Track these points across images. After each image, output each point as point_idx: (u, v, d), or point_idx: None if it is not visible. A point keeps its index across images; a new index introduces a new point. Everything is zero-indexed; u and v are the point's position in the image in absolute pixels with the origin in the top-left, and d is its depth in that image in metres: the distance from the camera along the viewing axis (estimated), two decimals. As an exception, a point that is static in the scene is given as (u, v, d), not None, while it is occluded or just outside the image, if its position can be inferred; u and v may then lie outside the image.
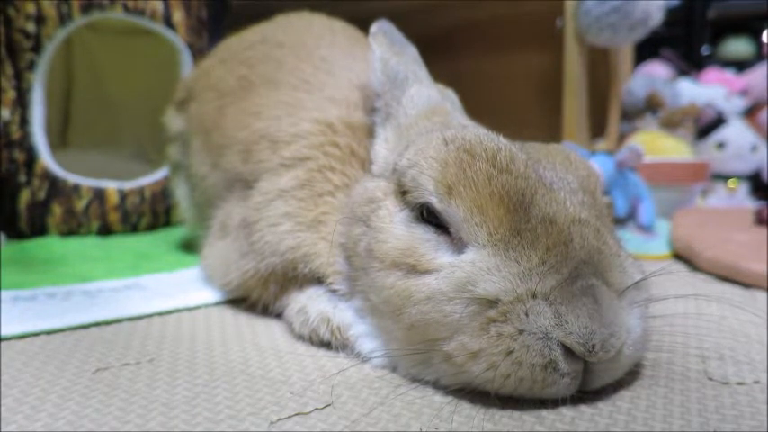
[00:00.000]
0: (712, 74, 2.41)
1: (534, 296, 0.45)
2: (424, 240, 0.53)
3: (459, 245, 0.51)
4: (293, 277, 0.68)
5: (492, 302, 0.46)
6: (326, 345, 0.62)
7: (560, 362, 0.44)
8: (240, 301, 0.78)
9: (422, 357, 0.51)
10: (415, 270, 0.52)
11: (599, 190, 0.57)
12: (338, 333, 0.60)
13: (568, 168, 0.55)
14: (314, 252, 0.66)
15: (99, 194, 1.33)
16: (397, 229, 0.55)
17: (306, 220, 0.68)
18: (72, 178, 1.31)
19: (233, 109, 0.89)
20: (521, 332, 0.45)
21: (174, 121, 1.09)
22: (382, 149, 0.67)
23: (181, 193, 1.09)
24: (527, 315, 0.45)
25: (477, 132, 0.55)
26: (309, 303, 0.65)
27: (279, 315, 0.71)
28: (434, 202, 0.52)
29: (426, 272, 0.51)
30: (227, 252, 0.77)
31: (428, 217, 0.53)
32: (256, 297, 0.73)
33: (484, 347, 0.46)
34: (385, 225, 0.56)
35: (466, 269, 0.48)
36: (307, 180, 0.70)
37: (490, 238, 0.48)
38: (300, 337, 0.64)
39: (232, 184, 0.82)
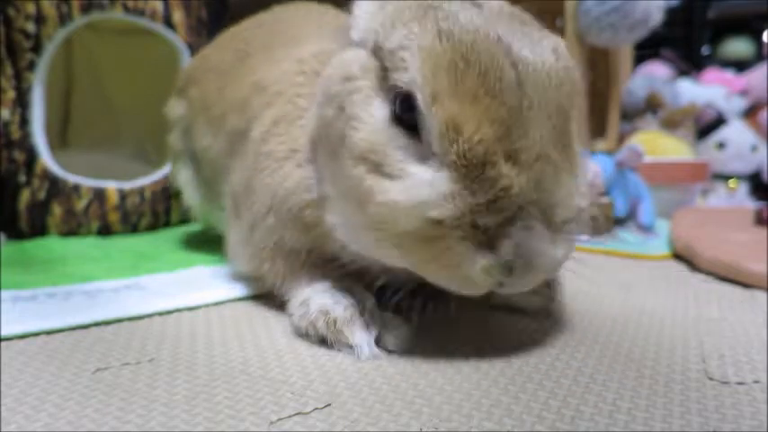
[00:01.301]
0: (712, 74, 2.41)
1: (476, 226, 0.49)
2: (393, 142, 0.53)
3: (426, 152, 0.52)
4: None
5: (439, 221, 0.50)
6: (322, 339, 0.61)
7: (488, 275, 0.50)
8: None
9: (379, 244, 0.56)
10: (379, 170, 0.53)
11: (573, 103, 0.55)
12: (333, 326, 0.60)
13: (552, 81, 0.53)
14: (291, 185, 0.67)
15: (99, 194, 1.33)
16: (370, 120, 0.55)
17: (282, 153, 0.69)
18: (72, 178, 1.31)
19: (232, 78, 0.92)
20: (458, 252, 0.50)
21: (174, 107, 1.11)
22: (365, 7, 0.61)
23: (183, 179, 1.10)
24: (464, 240, 0.50)
25: (473, 27, 0.52)
26: (312, 296, 0.65)
27: (283, 306, 0.71)
28: (419, 99, 0.51)
29: (389, 176, 0.53)
30: (242, 229, 0.78)
31: (402, 112, 0.53)
32: (266, 272, 0.73)
33: (426, 258, 0.52)
34: (358, 112, 0.56)
35: (425, 191, 0.50)
36: (281, 115, 0.71)
37: (456, 163, 0.49)
38: (298, 330, 0.64)
39: (234, 145, 0.83)
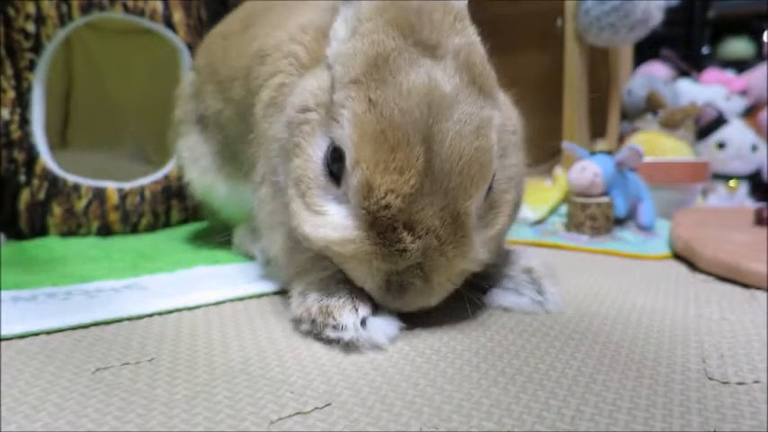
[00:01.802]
0: (712, 74, 2.41)
1: (370, 264, 0.60)
2: (318, 180, 0.64)
3: (343, 197, 0.62)
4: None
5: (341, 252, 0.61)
6: (313, 322, 0.62)
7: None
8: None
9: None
10: (303, 198, 0.64)
11: (479, 181, 0.61)
12: (325, 310, 0.62)
13: (459, 164, 0.59)
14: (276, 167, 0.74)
15: (99, 194, 1.33)
16: (309, 152, 0.65)
17: (271, 133, 0.75)
18: (72, 178, 1.31)
19: (236, 43, 0.96)
20: (355, 271, 0.63)
21: (183, 81, 1.15)
22: (341, 29, 0.67)
23: (185, 150, 1.10)
24: (360, 265, 0.61)
25: (401, 99, 0.58)
26: (311, 287, 0.67)
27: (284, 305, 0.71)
28: (346, 159, 0.60)
29: (309, 206, 0.63)
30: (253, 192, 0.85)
31: (331, 162, 0.63)
32: (274, 255, 0.79)
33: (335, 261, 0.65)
34: (302, 142, 0.65)
35: (333, 232, 0.61)
36: (270, 99, 0.78)
37: (364, 217, 0.58)
38: (294, 317, 0.66)
39: (244, 116, 0.88)
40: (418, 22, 0.61)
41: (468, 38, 0.65)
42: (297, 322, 0.65)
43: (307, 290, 0.67)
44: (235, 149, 0.98)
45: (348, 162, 0.59)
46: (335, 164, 0.62)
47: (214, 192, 1.08)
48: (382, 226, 0.58)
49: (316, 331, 0.62)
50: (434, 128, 0.58)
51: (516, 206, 0.73)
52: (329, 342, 0.61)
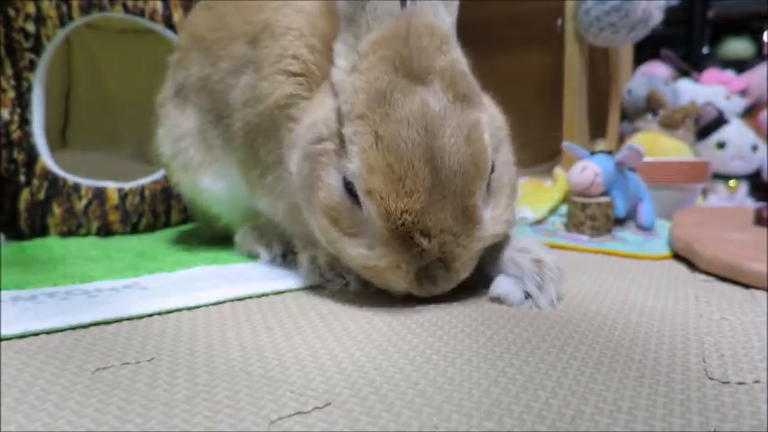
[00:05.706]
0: (712, 74, 2.41)
1: (400, 267, 0.69)
2: (344, 205, 0.71)
3: (367, 218, 0.69)
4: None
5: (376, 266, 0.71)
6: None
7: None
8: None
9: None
10: (337, 224, 0.72)
11: (478, 180, 0.69)
12: (334, 264, 0.79)
13: (460, 169, 0.67)
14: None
15: (99, 194, 1.33)
16: (330, 182, 0.72)
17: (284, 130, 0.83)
18: (72, 178, 1.31)
19: (230, 10, 0.96)
20: (388, 279, 0.72)
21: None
22: (342, 53, 0.75)
23: (164, 138, 1.09)
24: (392, 273, 0.70)
25: (404, 127, 0.66)
26: (319, 253, 0.81)
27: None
28: (359, 190, 0.68)
29: (344, 230, 0.72)
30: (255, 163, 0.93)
31: (348, 191, 0.70)
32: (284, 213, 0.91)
33: (367, 275, 0.74)
34: (322, 174, 0.72)
35: (369, 252, 0.70)
36: (286, 105, 0.82)
37: (387, 234, 0.68)
38: (307, 280, 0.83)
39: (241, 69, 0.91)
40: (408, 54, 0.69)
41: (450, 56, 0.72)
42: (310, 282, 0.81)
43: (315, 256, 0.82)
44: (222, 114, 0.97)
45: (360, 192, 0.68)
46: (353, 194, 0.70)
47: (201, 186, 1.06)
48: (402, 237, 0.67)
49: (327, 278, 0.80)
50: (433, 145, 0.67)
51: (513, 187, 0.81)
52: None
